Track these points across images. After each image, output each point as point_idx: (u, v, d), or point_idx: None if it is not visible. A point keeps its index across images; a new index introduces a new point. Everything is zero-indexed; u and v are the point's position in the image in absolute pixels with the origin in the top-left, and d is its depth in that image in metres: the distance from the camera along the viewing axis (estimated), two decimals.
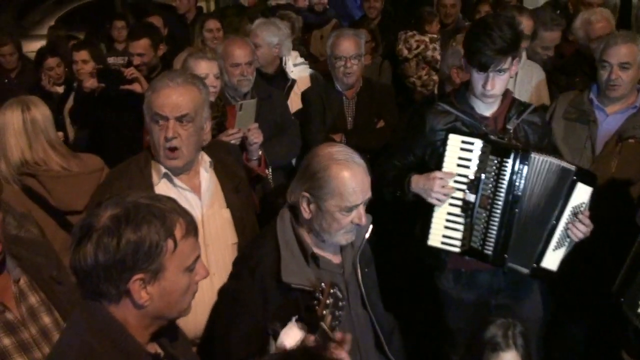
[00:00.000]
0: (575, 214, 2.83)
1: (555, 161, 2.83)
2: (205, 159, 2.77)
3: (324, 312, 2.03)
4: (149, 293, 1.66)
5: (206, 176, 2.75)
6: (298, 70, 4.91)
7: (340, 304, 2.07)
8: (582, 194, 2.82)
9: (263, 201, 3.88)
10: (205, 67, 3.71)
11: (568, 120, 3.60)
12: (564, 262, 2.91)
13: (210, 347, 2.53)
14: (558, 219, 2.83)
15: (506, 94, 3.05)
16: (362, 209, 2.34)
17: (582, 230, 2.83)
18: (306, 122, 4.26)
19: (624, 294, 2.67)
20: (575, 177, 2.80)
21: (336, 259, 2.46)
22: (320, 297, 2.06)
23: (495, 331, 2.53)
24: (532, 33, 3.97)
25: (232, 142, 3.59)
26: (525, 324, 3.01)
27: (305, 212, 2.35)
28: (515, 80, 4.03)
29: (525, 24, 3.91)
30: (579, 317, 3.77)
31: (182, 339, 1.94)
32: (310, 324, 2.04)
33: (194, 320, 2.59)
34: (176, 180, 2.68)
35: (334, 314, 2.05)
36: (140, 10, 7.98)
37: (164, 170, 2.66)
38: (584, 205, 2.83)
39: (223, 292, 2.57)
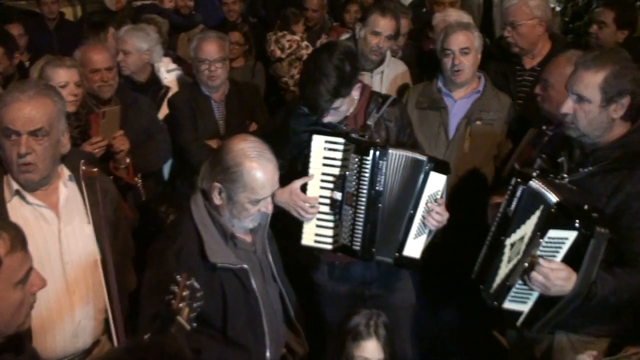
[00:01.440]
0: (430, 203, 2.93)
1: (410, 154, 2.92)
2: (64, 172, 2.66)
3: (180, 305, 2.05)
4: None
5: (65, 191, 2.64)
6: (172, 76, 4.82)
7: (197, 294, 2.12)
8: (436, 182, 2.92)
9: (143, 209, 3.81)
10: (64, 75, 3.58)
11: (421, 109, 3.79)
12: (430, 247, 3.03)
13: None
14: (415, 209, 2.93)
15: (364, 89, 3.13)
16: (269, 199, 2.53)
17: (437, 218, 2.93)
18: (177, 128, 4.19)
19: (484, 281, 2.76)
20: (427, 167, 2.90)
21: (248, 238, 2.63)
22: (176, 289, 2.06)
23: (358, 320, 2.63)
24: (395, 32, 4.09)
25: (97, 150, 3.51)
26: (397, 311, 3.19)
27: (216, 199, 2.50)
28: (382, 78, 4.16)
29: (389, 24, 4.03)
30: (449, 299, 3.96)
31: (30, 353, 1.89)
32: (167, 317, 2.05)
33: (52, 342, 2.54)
34: (29, 197, 2.56)
35: (191, 306, 2.08)
36: (1, 18, 7.54)
37: (15, 186, 2.53)
38: (439, 193, 2.94)
39: (146, 281, 2.53)
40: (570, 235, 2.43)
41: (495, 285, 2.72)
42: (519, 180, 2.64)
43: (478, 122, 3.68)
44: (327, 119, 3.02)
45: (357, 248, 2.97)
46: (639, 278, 2.54)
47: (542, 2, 4.11)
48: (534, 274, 2.49)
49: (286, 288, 2.78)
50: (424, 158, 2.92)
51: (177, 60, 5.55)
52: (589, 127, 2.61)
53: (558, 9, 7.56)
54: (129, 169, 3.72)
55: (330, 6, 6.35)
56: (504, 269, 2.68)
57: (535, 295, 2.59)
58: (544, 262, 2.47)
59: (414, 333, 3.49)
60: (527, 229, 2.58)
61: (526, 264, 2.52)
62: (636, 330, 2.97)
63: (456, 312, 4.02)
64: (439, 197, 2.94)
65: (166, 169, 4.32)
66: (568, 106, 2.61)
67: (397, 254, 2.98)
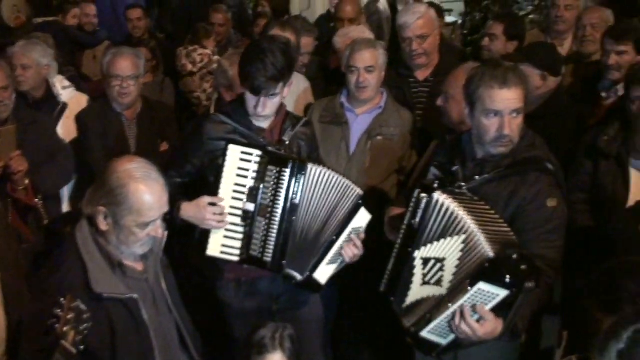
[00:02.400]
0: (352, 236, 2.96)
1: (339, 177, 2.94)
2: None
3: (65, 328, 1.97)
4: None
5: None
6: (67, 93, 4.67)
7: (84, 316, 2.04)
8: (362, 219, 2.96)
9: (47, 232, 3.69)
10: None
11: (323, 123, 3.83)
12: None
13: None
14: (338, 236, 2.95)
15: (281, 107, 3.13)
16: (159, 223, 2.40)
17: (355, 252, 2.97)
18: (86, 146, 4.07)
19: (394, 293, 2.77)
20: (360, 202, 2.93)
21: (139, 266, 2.49)
22: (60, 313, 2.00)
23: (264, 334, 2.60)
24: (296, 47, 4.15)
25: None
26: (305, 325, 3.19)
27: (102, 224, 2.35)
28: None
29: (289, 38, 4.05)
30: (362, 308, 4.01)
31: None
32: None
33: None
34: None
35: (78, 329, 2.01)
36: None
37: None
38: (361, 230, 2.98)
39: (27, 315, 2.42)
40: (502, 293, 2.43)
41: (409, 302, 2.72)
42: (421, 191, 2.65)
43: (379, 137, 3.73)
44: (258, 119, 3.01)
45: (268, 259, 2.96)
46: (541, 291, 2.59)
47: (436, 14, 4.28)
48: (462, 326, 2.49)
49: (183, 318, 2.65)
50: (358, 190, 2.95)
51: (82, 77, 5.45)
52: (518, 138, 2.71)
53: (460, 22, 7.87)
54: (28, 190, 3.60)
55: (238, 21, 6.36)
56: (418, 287, 2.68)
57: (454, 335, 2.60)
58: (473, 323, 2.47)
59: (324, 345, 3.53)
60: (445, 252, 2.57)
61: (451, 309, 2.53)
62: (533, 326, 3.12)
63: (370, 321, 4.07)
64: (360, 232, 2.98)
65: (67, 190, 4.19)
66: (511, 128, 2.66)
67: (308, 273, 3.00)
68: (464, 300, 2.49)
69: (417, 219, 2.64)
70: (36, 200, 3.72)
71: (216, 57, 5.61)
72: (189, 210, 2.92)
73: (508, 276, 2.40)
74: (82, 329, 2.02)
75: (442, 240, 2.58)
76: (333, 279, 3.59)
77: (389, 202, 3.63)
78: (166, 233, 2.55)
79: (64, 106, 4.44)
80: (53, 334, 1.97)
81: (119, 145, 4.07)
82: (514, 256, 2.43)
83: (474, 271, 2.48)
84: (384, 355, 4.08)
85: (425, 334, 2.66)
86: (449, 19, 7.91)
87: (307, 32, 4.73)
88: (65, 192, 4.14)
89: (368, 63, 3.70)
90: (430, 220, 2.61)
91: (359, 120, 3.80)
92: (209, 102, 5.41)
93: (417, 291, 2.69)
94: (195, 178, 3.10)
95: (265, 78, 2.86)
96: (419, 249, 2.66)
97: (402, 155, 3.78)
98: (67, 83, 4.73)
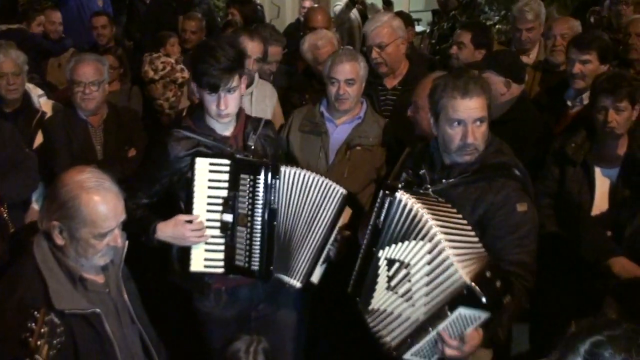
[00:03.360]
0: (338, 234, 3.00)
1: (317, 177, 2.95)
2: None
3: (38, 342, 1.92)
4: None
5: None
6: (43, 101, 4.60)
7: (57, 330, 1.98)
8: (346, 216, 3.02)
9: (12, 241, 3.61)
10: None
11: (303, 132, 3.81)
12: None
13: None
14: (328, 237, 2.97)
15: (240, 112, 3.12)
16: (117, 231, 2.33)
17: (342, 251, 3.02)
18: (52, 154, 4.01)
19: (359, 294, 2.79)
20: (344, 201, 2.97)
21: (100, 279, 2.43)
22: (34, 326, 1.94)
23: (238, 347, 2.58)
24: (263, 55, 4.16)
25: None
26: (282, 329, 3.21)
27: (58, 239, 2.28)
28: (252, 100, 4.17)
29: (257, 47, 4.07)
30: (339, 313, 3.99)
31: None
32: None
33: None
34: None
35: (51, 343, 1.95)
36: None
37: None
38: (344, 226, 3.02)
39: None
40: (482, 315, 2.42)
41: (374, 304, 2.70)
42: (386, 192, 2.67)
43: (358, 148, 3.72)
44: (217, 127, 3.00)
45: (256, 268, 2.95)
46: (518, 297, 2.60)
47: (401, 22, 4.31)
48: (447, 350, 2.47)
49: (146, 329, 2.60)
50: (342, 190, 2.96)
51: (47, 85, 5.36)
52: (483, 145, 2.74)
53: (428, 31, 7.95)
54: None
55: (206, 29, 6.34)
56: (383, 291, 2.67)
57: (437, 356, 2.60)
58: (457, 342, 2.45)
59: (300, 348, 3.51)
60: (409, 256, 2.56)
61: (432, 333, 2.51)
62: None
63: (348, 327, 4.06)
64: (343, 228, 3.01)
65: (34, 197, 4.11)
66: (475, 136, 2.69)
67: (305, 279, 3.00)
68: (445, 324, 2.48)
69: (381, 219, 2.66)
70: (1, 209, 3.63)
71: (180, 66, 5.57)
72: (167, 230, 2.89)
73: (485, 298, 2.38)
74: (56, 343, 1.96)
75: (405, 242, 2.59)
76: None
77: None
78: (127, 242, 2.50)
79: (43, 115, 4.36)
80: (26, 348, 1.90)
81: (85, 152, 4.03)
82: (487, 274, 2.42)
83: (450, 296, 2.45)
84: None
85: (408, 356, 2.63)
86: (418, 28, 8.00)
87: (275, 41, 4.75)
88: (33, 199, 4.06)
89: (349, 75, 3.68)
90: (394, 220, 2.62)
91: (339, 130, 3.79)
92: (172, 110, 5.39)
93: (382, 295, 2.68)
94: (163, 197, 3.07)
95: (219, 71, 2.84)
96: (382, 248, 2.67)
97: (381, 165, 3.79)
98: (40, 91, 4.65)
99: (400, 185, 2.70)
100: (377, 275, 2.71)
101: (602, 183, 3.38)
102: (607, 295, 2.82)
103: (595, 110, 3.38)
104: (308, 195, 2.94)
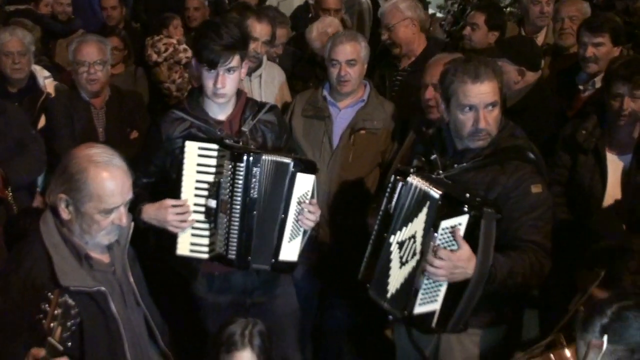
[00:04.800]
0: (300, 203, 2.92)
1: (274, 158, 2.89)
2: None
3: (52, 324, 1.91)
4: None
5: None
6: (49, 83, 4.59)
7: (72, 312, 1.98)
8: (304, 183, 2.91)
9: (9, 225, 3.59)
10: None
11: (306, 117, 3.78)
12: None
13: None
14: (286, 212, 2.91)
15: (240, 95, 3.09)
16: (122, 210, 2.31)
17: (310, 217, 2.93)
18: (54, 135, 4.02)
19: (370, 280, 2.79)
20: (293, 169, 2.88)
21: (106, 259, 2.42)
22: (48, 307, 1.93)
23: (233, 330, 2.57)
24: (271, 37, 4.12)
25: None
26: (280, 317, 3.18)
27: (64, 213, 2.27)
28: (260, 82, 4.13)
29: (265, 29, 4.02)
30: (342, 300, 3.99)
31: None
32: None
33: None
34: None
35: (65, 325, 1.95)
36: None
37: None
38: (308, 194, 2.93)
39: None
40: (462, 220, 2.50)
41: (393, 289, 2.72)
42: (397, 177, 2.70)
43: (362, 131, 3.69)
44: (212, 110, 2.97)
45: (233, 257, 2.92)
46: (527, 259, 2.63)
47: (412, 3, 4.26)
48: (437, 262, 2.52)
49: (151, 311, 2.60)
50: (288, 160, 2.90)
51: (55, 67, 5.34)
52: (496, 130, 2.72)
53: (439, 15, 7.85)
54: None
55: (214, 12, 6.28)
56: (397, 271, 2.70)
57: (443, 290, 2.61)
58: (446, 251, 2.51)
59: (300, 337, 3.50)
60: (415, 227, 2.62)
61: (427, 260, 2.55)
62: (513, 318, 3.13)
63: (349, 313, 4.05)
64: (309, 197, 2.93)
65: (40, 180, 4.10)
66: (487, 121, 2.67)
67: (273, 260, 2.96)
68: (435, 246, 2.53)
69: (392, 204, 2.69)
70: (6, 191, 3.63)
71: (182, 47, 5.51)
72: (151, 212, 2.88)
73: (464, 204, 2.49)
74: (70, 324, 1.96)
75: (414, 220, 2.62)
76: (313, 272, 3.59)
77: (372, 196, 3.64)
78: (132, 223, 2.51)
79: (48, 96, 4.36)
80: (39, 331, 1.90)
81: (86, 133, 4.03)
82: (467, 195, 2.55)
83: (434, 217, 2.54)
84: (365, 347, 4.07)
85: (417, 308, 2.66)
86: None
87: (280, 23, 4.70)
88: (39, 184, 4.06)
89: (349, 56, 3.64)
90: (405, 204, 2.64)
91: (342, 114, 3.75)
92: (180, 92, 5.35)
93: (397, 274, 2.70)
94: (159, 178, 3.05)
95: (220, 47, 2.81)
96: (394, 233, 2.69)
97: (386, 149, 3.76)
98: (46, 73, 4.67)
99: (412, 170, 2.70)
100: (390, 260, 2.72)
101: (614, 170, 3.32)
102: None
103: (609, 96, 3.30)
104: (274, 179, 2.90)
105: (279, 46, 4.61)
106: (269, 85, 4.18)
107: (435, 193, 2.55)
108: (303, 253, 3.03)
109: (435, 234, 2.52)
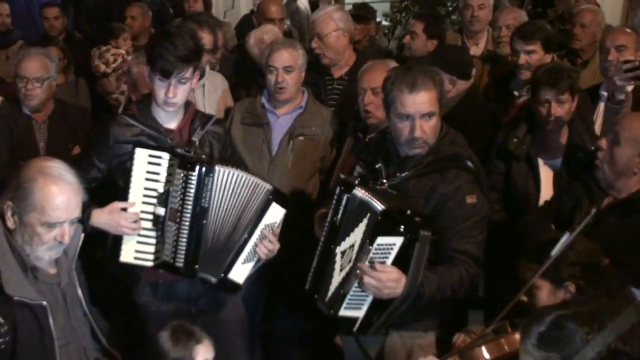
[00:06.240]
0: (265, 232, 2.95)
1: (247, 176, 2.91)
2: None
3: None
4: None
5: None
6: None
7: (1, 330, 1.99)
8: (275, 213, 2.94)
9: None
10: None
11: (245, 125, 3.80)
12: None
13: None
14: (250, 234, 2.93)
15: (189, 106, 3.10)
16: (67, 228, 2.29)
17: (269, 247, 2.95)
18: None
19: (318, 290, 2.84)
20: (271, 197, 2.92)
21: (52, 270, 2.40)
22: None
23: (165, 333, 2.64)
24: (213, 45, 4.12)
25: None
26: (227, 325, 3.20)
27: (9, 221, 2.27)
28: (204, 92, 4.13)
29: (206, 38, 4.02)
30: (289, 308, 4.01)
31: None
32: None
33: None
34: None
35: None
36: None
37: None
38: (275, 224, 2.96)
39: None
40: (397, 241, 2.54)
41: (330, 293, 2.78)
42: (343, 189, 2.74)
43: (300, 138, 3.72)
44: (162, 118, 2.97)
45: (180, 265, 2.92)
46: (457, 274, 2.71)
47: (345, 15, 4.33)
48: (367, 279, 2.58)
49: (96, 320, 2.60)
50: (267, 186, 2.93)
51: None
52: (433, 139, 2.77)
53: (385, 23, 7.95)
54: None
55: (158, 21, 6.23)
56: (336, 278, 2.75)
57: (369, 300, 2.68)
58: (376, 267, 2.57)
59: (248, 344, 3.51)
60: (356, 236, 2.67)
61: (358, 271, 2.61)
62: (457, 320, 3.20)
63: (297, 321, 4.07)
64: (274, 228, 2.96)
65: None
66: (423, 130, 2.71)
67: (222, 275, 2.97)
68: (368, 260, 2.58)
69: (339, 216, 2.73)
70: None
71: (130, 57, 5.46)
72: (101, 217, 2.84)
73: (402, 225, 2.52)
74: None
75: (355, 229, 2.67)
76: (258, 279, 3.59)
77: (313, 202, 3.68)
78: (82, 235, 2.50)
79: None
80: None
81: (26, 148, 3.96)
82: (408, 212, 2.58)
83: (371, 230, 2.59)
84: (314, 353, 4.09)
85: (342, 311, 2.73)
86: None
87: (217, 27, 4.64)
88: None
89: (286, 63, 3.68)
90: (351, 216, 2.69)
91: (280, 121, 3.78)
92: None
93: (335, 280, 2.76)
94: (102, 183, 3.02)
95: (175, 58, 2.83)
96: (339, 244, 2.74)
97: (325, 155, 3.80)
98: None
99: (356, 182, 2.73)
100: (333, 269, 2.76)
101: (547, 174, 3.43)
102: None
103: (537, 103, 3.41)
104: (238, 195, 2.91)
105: (217, 52, 4.60)
106: (212, 94, 4.17)
107: (378, 207, 2.59)
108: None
109: (370, 247, 2.58)
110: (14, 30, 6.25)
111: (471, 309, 3.85)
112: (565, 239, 2.49)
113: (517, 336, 2.39)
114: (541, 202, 3.40)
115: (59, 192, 2.25)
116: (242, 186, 2.91)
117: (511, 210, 3.51)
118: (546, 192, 3.39)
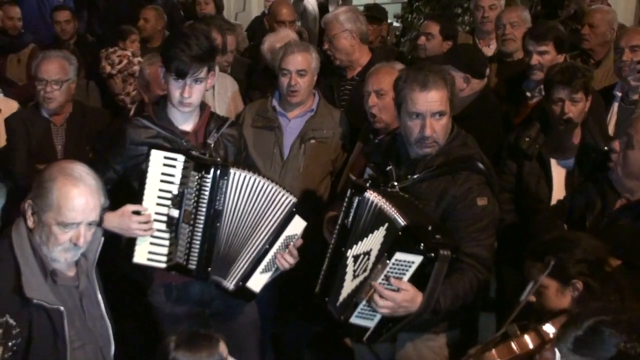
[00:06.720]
0: (287, 244, 2.94)
1: (264, 180, 2.90)
2: None
3: None
4: None
5: None
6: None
7: (13, 332, 2.00)
8: (297, 226, 2.93)
9: None
10: None
11: (256, 128, 3.79)
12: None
13: None
14: (272, 244, 2.92)
15: (204, 108, 3.10)
16: (83, 230, 2.31)
17: (289, 261, 2.94)
18: (10, 151, 3.97)
19: (328, 293, 2.82)
20: (294, 209, 2.91)
21: (71, 272, 2.43)
22: None
23: (169, 340, 2.51)
24: (222, 47, 4.13)
25: None
26: (240, 327, 3.19)
27: (29, 220, 2.31)
28: (213, 94, 4.14)
29: (217, 39, 4.01)
30: (301, 311, 4.00)
31: None
32: None
33: None
34: None
35: (6, 345, 1.95)
36: None
37: None
38: (296, 237, 2.95)
39: None
40: (417, 259, 2.51)
41: (342, 298, 2.76)
42: (354, 191, 2.72)
43: (312, 141, 3.72)
44: (178, 120, 2.98)
45: (193, 267, 2.92)
46: (467, 281, 2.69)
47: (353, 15, 4.31)
48: (381, 301, 2.56)
49: (113, 324, 2.62)
50: (292, 198, 2.92)
51: (6, 82, 5.27)
52: (443, 139, 2.76)
53: (396, 24, 7.95)
54: None
55: (169, 23, 6.26)
56: (349, 283, 2.73)
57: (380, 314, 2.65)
58: (392, 282, 2.54)
59: (261, 346, 3.50)
60: (371, 244, 2.64)
61: (373, 286, 2.57)
62: (468, 322, 3.18)
63: (308, 323, 4.07)
64: (294, 240, 2.95)
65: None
66: (433, 129, 2.71)
67: (240, 283, 2.97)
68: (384, 274, 2.55)
69: (350, 219, 2.71)
70: None
71: (137, 59, 5.48)
72: (113, 220, 2.83)
73: (422, 243, 2.48)
74: (11, 345, 1.98)
75: (370, 235, 2.64)
76: (271, 281, 3.60)
77: (324, 204, 3.66)
78: (102, 239, 2.53)
79: None
80: None
81: (44, 151, 3.96)
82: (429, 227, 2.53)
83: (389, 244, 2.54)
84: (325, 355, 4.08)
85: (353, 319, 2.71)
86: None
87: (227, 30, 4.69)
88: None
89: (300, 66, 3.68)
90: (362, 219, 2.67)
91: (292, 124, 3.77)
92: (134, 105, 5.30)
93: (348, 286, 2.74)
94: (117, 184, 3.03)
95: (189, 58, 2.84)
96: (351, 247, 2.71)
97: (336, 157, 3.79)
98: None
99: (367, 184, 2.72)
100: (345, 273, 2.74)
101: (558, 174, 3.41)
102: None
103: (550, 102, 3.39)
104: (256, 200, 2.91)
105: (228, 54, 4.62)
106: (222, 96, 4.18)
107: (399, 220, 2.54)
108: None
109: (388, 262, 2.54)
110: (26, 34, 6.30)
111: (482, 311, 3.83)
112: (531, 285, 2.50)
113: (527, 338, 2.39)
114: (553, 202, 3.38)
115: (77, 193, 2.27)
116: (260, 192, 2.90)
117: (522, 210, 3.49)
118: (558, 192, 3.37)
